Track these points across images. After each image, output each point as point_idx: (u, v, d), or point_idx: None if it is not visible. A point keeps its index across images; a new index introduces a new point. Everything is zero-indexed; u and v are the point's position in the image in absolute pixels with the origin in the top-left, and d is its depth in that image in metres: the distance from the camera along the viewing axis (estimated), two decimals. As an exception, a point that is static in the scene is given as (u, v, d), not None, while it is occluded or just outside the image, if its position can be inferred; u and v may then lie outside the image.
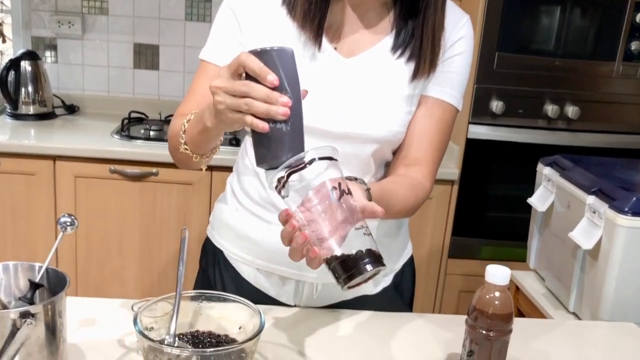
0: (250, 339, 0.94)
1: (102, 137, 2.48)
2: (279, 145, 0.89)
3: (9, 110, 2.66)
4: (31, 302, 0.99)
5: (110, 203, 2.39)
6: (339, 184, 0.88)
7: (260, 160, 0.92)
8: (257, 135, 0.91)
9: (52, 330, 0.95)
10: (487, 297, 1.01)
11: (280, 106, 0.87)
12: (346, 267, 0.87)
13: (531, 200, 1.84)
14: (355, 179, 1.00)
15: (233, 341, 1.04)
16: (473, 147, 2.46)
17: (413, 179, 1.18)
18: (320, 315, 1.25)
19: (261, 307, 1.25)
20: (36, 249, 2.39)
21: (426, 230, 2.51)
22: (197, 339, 1.04)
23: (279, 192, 0.89)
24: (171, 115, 2.74)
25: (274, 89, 0.87)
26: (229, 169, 1.39)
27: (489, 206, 2.57)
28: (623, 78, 2.42)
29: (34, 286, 1.00)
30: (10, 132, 2.51)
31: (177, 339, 0.99)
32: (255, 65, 0.87)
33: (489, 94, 2.41)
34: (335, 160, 0.90)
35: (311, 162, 0.88)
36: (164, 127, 2.57)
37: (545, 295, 1.76)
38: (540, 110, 2.44)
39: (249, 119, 0.89)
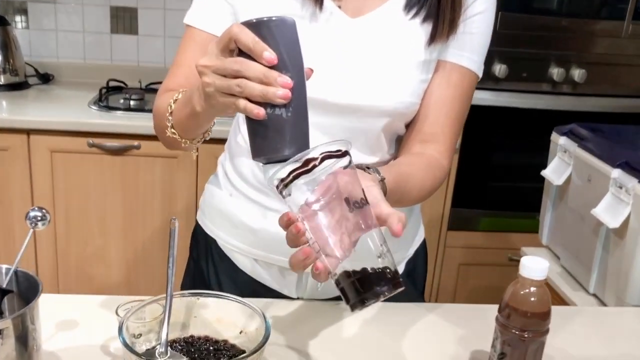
0: (255, 351, 0.82)
1: (79, 108, 2.32)
2: (278, 134, 0.75)
3: (-23, 81, 2.48)
4: (-2, 311, 0.86)
5: (89, 179, 2.25)
6: (353, 193, 0.73)
7: (256, 153, 0.77)
8: (252, 123, 0.77)
9: (24, 343, 0.82)
10: (522, 293, 0.90)
11: (280, 87, 0.72)
12: (357, 290, 0.73)
13: (545, 173, 1.72)
14: (368, 167, 0.87)
15: (233, 347, 0.92)
16: (474, 114, 2.30)
17: (430, 157, 1.06)
18: (325, 309, 1.13)
19: (261, 302, 1.14)
20: (12, 229, 2.25)
21: (424, 202, 2.39)
22: (193, 346, 0.92)
23: (280, 193, 0.75)
24: (152, 84, 2.64)
25: (272, 67, 0.73)
26: (218, 142, 1.26)
27: (490, 176, 2.46)
28: (632, 38, 2.30)
29: (2, 292, 0.86)
30: (-20, 104, 2.34)
31: (169, 349, 0.86)
32: (249, 39, 0.72)
33: (492, 57, 2.29)
34: (349, 156, 0.75)
35: (321, 160, 0.73)
36: (144, 96, 2.42)
37: (561, 274, 1.66)
38: (545, 73, 2.33)
39: (242, 103, 0.75)
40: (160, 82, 1.13)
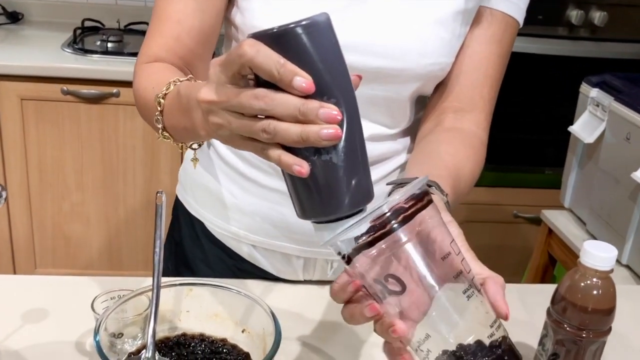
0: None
1: (51, 52, 2.12)
2: (330, 187, 0.53)
3: (-63, 19, 2.25)
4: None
5: (64, 129, 2.06)
6: (438, 242, 0.55)
7: (304, 213, 0.56)
8: (292, 175, 0.55)
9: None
10: (582, 285, 0.75)
11: (324, 124, 0.50)
12: None
13: (573, 129, 1.56)
14: (430, 186, 0.70)
15: (234, 349, 0.77)
16: (483, 60, 2.16)
17: (471, 137, 0.89)
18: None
19: (262, 284, 0.99)
20: (-20, 183, 2.06)
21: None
22: (185, 348, 0.77)
23: (343, 259, 0.55)
24: (132, 24, 2.42)
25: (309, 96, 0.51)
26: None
27: (495, 127, 2.30)
28: (659, -24, 2.14)
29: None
30: (-60, 46, 2.13)
31: (157, 354, 0.71)
32: (272, 63, 0.49)
33: (504, -2, 2.09)
34: (430, 197, 0.55)
35: (399, 220, 0.52)
36: (123, 38, 2.22)
37: (588, 241, 1.52)
38: (562, 16, 2.16)
39: (276, 154, 0.53)
40: (141, 23, 0.92)
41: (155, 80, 0.76)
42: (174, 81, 0.72)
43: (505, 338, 0.56)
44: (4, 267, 2.19)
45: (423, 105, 0.96)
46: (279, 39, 0.50)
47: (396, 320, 0.53)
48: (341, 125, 0.51)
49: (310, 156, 0.52)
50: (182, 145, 0.78)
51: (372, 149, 0.90)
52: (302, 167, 0.51)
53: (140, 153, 2.11)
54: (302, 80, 0.49)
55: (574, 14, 2.14)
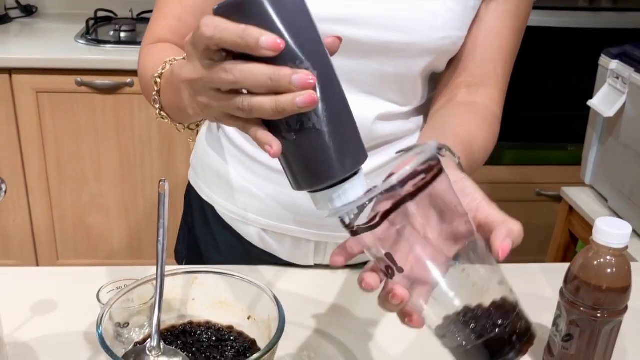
0: (268, 350, 0.65)
1: (65, 43, 2.12)
2: (318, 153, 0.51)
3: (-47, 15, 2.26)
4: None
5: (80, 120, 2.06)
6: (447, 202, 0.53)
7: (297, 184, 0.54)
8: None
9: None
10: (596, 263, 0.73)
11: (299, 91, 0.47)
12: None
13: (592, 103, 1.51)
14: (440, 149, 0.68)
15: (240, 337, 0.76)
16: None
17: (484, 110, 0.86)
18: (345, 277, 0.97)
19: (272, 270, 0.98)
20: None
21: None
22: (192, 336, 0.76)
23: (347, 228, 0.54)
24: (145, 12, 2.42)
25: (279, 58, 0.47)
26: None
27: (515, 104, 2.24)
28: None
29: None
30: (-43, 42, 2.14)
31: (162, 343, 0.70)
32: (233, 32, 0.47)
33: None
34: (440, 166, 0.53)
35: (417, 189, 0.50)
36: (137, 27, 2.21)
37: (610, 219, 1.48)
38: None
39: (253, 131, 0.51)
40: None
41: (156, 60, 0.76)
42: (169, 60, 0.72)
43: (509, 301, 0.54)
44: (27, 260, 2.22)
45: (436, 84, 0.94)
46: (240, 7, 0.48)
47: (395, 286, 0.51)
48: (317, 89, 0.49)
49: (293, 125, 0.50)
50: (178, 126, 0.78)
51: (383, 128, 0.88)
52: (271, 146, 0.50)
53: (156, 142, 2.11)
54: (268, 39, 0.46)
55: (595, -16, 2.07)
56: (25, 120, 2.04)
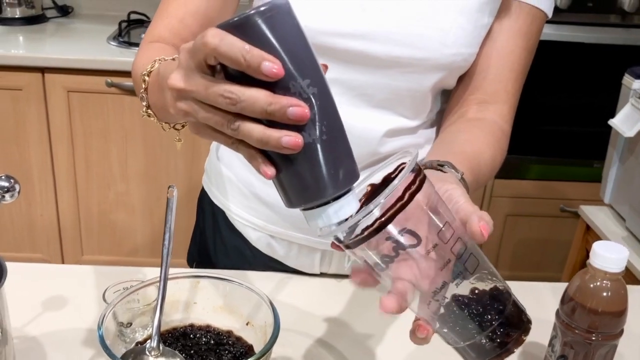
0: (262, 355, 0.67)
1: (97, 45, 2.17)
2: (312, 173, 0.52)
3: (-7, 14, 2.33)
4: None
5: (108, 120, 2.11)
6: (435, 210, 0.55)
7: (289, 201, 0.54)
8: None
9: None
10: (592, 286, 0.73)
11: (285, 132, 0.48)
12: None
13: (614, 122, 1.50)
14: (441, 165, 0.69)
15: (237, 342, 0.78)
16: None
17: (492, 126, 0.87)
18: (350, 286, 0.98)
19: (277, 276, 1.00)
20: (29, 171, 2.15)
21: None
22: (191, 339, 0.78)
23: (346, 247, 0.55)
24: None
25: (276, 83, 0.48)
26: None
27: (542, 119, 2.24)
28: None
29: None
30: (-5, 40, 2.20)
31: (161, 344, 0.72)
32: (237, 50, 0.47)
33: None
34: (424, 175, 0.55)
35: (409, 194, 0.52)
36: (167, 31, 2.23)
37: (627, 239, 1.46)
38: (614, 3, 2.07)
39: (246, 152, 0.52)
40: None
41: (149, 58, 0.75)
42: (159, 59, 0.72)
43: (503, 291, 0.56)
44: (52, 254, 2.27)
45: (445, 98, 0.95)
46: (241, 28, 0.48)
47: (383, 298, 0.53)
48: (312, 109, 0.49)
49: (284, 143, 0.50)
50: (164, 125, 0.78)
51: (391, 144, 0.90)
52: (267, 170, 0.50)
53: (181, 143, 2.14)
54: (271, 65, 0.46)
55: (627, 0, 2.04)
56: (55, 119, 2.09)
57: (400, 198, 0.52)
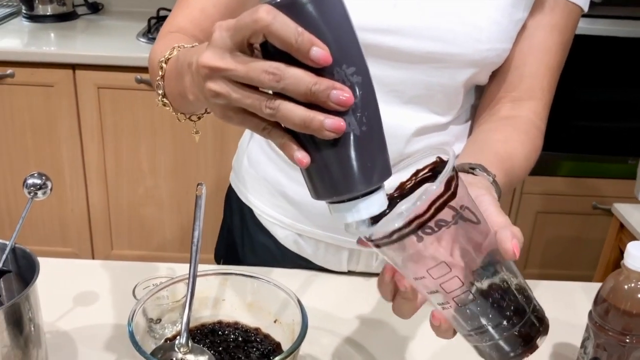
0: (290, 353, 0.67)
1: (127, 41, 2.19)
2: (344, 164, 0.49)
3: (25, 11, 2.36)
4: (-7, 293, 0.74)
5: (138, 116, 2.13)
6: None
7: (319, 192, 0.52)
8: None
9: (19, 332, 0.70)
10: (626, 287, 0.71)
11: (330, 116, 0.46)
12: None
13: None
14: (472, 168, 0.68)
15: (265, 339, 0.78)
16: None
17: (526, 123, 0.85)
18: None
19: (304, 274, 0.99)
20: (61, 166, 2.18)
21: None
22: (219, 336, 0.78)
23: (370, 242, 0.54)
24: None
25: (320, 68, 0.46)
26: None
27: (574, 114, 2.19)
28: None
29: (-3, 272, 0.74)
30: (28, 38, 2.24)
31: (190, 341, 0.73)
32: (291, 31, 0.44)
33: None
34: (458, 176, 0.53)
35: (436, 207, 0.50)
36: (196, 27, 2.24)
37: (660, 238, 1.43)
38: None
39: (279, 137, 0.49)
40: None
41: (168, 47, 0.73)
42: (178, 46, 0.70)
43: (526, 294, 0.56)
44: (83, 248, 2.30)
45: (480, 93, 0.94)
46: (292, 8, 0.46)
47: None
48: (355, 97, 0.48)
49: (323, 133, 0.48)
50: (179, 116, 0.77)
51: (422, 143, 0.89)
52: (302, 158, 0.48)
53: (210, 139, 2.15)
54: (320, 51, 0.45)
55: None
56: (86, 115, 2.12)
57: (434, 203, 0.51)
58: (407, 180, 0.58)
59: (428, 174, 0.57)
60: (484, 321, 0.55)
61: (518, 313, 0.55)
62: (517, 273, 0.56)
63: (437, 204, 0.50)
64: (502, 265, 0.55)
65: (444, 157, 0.55)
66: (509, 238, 0.53)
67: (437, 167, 0.57)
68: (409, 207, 0.50)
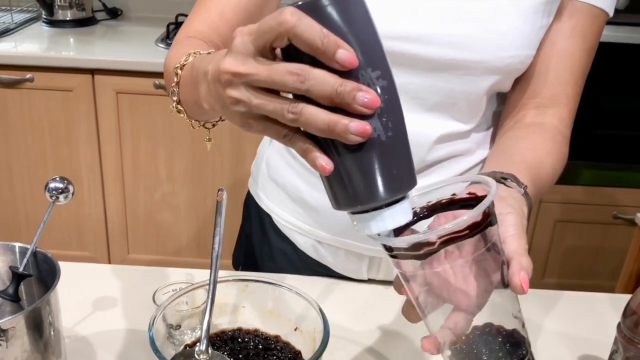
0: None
1: (146, 47, 2.19)
2: (367, 173, 0.48)
3: (45, 17, 2.37)
4: (14, 298, 0.73)
5: (156, 122, 2.13)
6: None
7: (337, 203, 0.51)
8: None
9: (40, 336, 0.69)
10: (657, 299, 0.69)
11: (354, 120, 0.45)
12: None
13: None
14: (504, 178, 0.67)
15: (286, 347, 0.77)
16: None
17: (552, 130, 0.84)
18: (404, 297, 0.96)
19: (324, 282, 0.98)
20: (78, 171, 2.18)
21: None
22: (239, 343, 0.77)
23: (390, 253, 0.55)
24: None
25: (345, 72, 0.45)
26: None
27: (595, 122, 2.17)
28: None
29: (17, 277, 0.73)
30: (47, 42, 2.25)
31: (210, 348, 0.72)
32: (316, 33, 0.43)
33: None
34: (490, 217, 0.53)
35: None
36: (214, 33, 2.24)
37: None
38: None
39: (301, 144, 0.48)
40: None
41: (184, 54, 0.71)
42: (194, 52, 0.69)
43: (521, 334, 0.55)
44: (99, 252, 2.31)
45: (502, 99, 0.93)
46: (317, 10, 0.45)
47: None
48: (383, 100, 0.47)
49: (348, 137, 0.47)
50: (193, 123, 0.75)
51: (444, 151, 0.88)
52: (325, 164, 0.47)
53: (227, 144, 2.15)
54: (346, 53, 0.44)
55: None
56: (104, 120, 2.12)
57: (463, 231, 0.51)
58: (441, 204, 0.58)
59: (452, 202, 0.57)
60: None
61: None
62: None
63: (479, 229, 0.51)
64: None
65: (478, 192, 0.56)
66: (517, 271, 0.53)
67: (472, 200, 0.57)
68: (459, 222, 0.50)
